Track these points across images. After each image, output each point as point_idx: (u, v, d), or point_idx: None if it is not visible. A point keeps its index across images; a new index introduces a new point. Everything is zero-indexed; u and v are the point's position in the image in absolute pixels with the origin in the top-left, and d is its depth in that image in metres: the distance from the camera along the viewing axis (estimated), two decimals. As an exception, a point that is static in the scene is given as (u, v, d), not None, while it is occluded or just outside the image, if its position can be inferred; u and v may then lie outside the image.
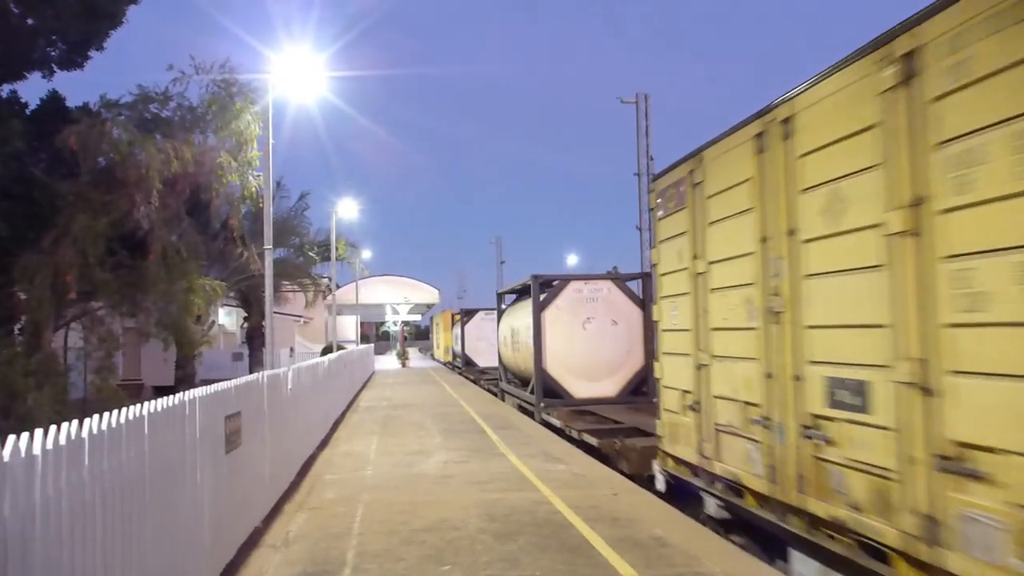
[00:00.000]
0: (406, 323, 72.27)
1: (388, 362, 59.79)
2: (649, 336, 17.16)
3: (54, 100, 19.53)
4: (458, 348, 43.76)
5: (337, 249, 35.95)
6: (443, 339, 56.59)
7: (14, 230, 16.76)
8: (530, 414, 18.63)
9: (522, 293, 22.39)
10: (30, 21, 17.89)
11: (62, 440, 3.56)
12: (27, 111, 18.88)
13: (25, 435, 3.27)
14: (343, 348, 32.18)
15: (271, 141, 16.10)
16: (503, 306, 25.46)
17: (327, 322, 51.15)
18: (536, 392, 17.94)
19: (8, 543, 3.04)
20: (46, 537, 3.36)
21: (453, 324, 47.84)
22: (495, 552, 7.17)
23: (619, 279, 18.69)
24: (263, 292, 18.10)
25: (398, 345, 67.63)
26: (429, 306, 72.31)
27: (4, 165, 16.17)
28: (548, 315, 17.94)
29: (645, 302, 17.74)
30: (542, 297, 18.21)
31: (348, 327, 60.73)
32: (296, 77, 16.46)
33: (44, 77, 19.04)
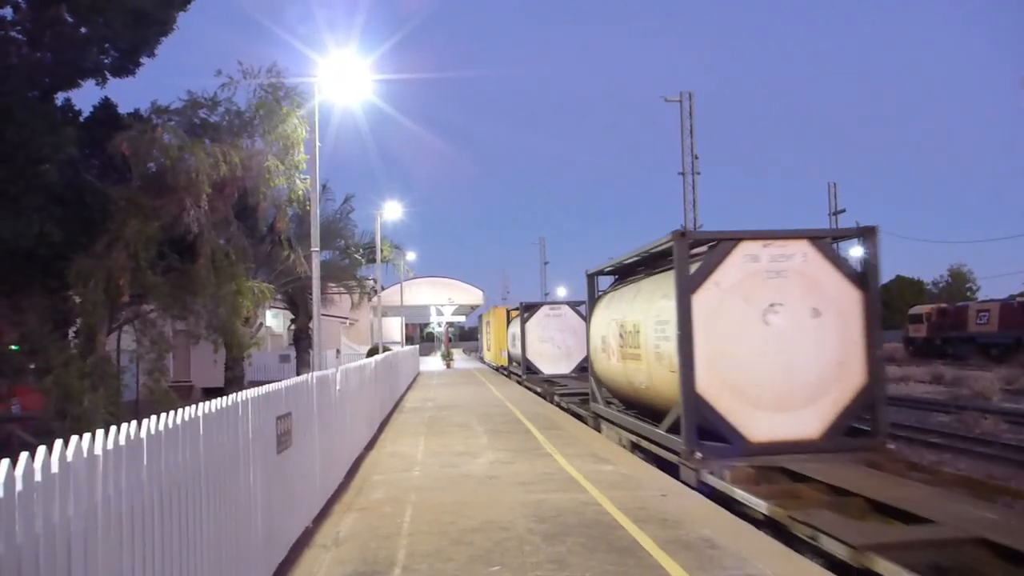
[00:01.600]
0: (450, 324, 72.55)
1: (433, 363, 60.07)
2: (874, 334, 10.89)
3: (106, 107, 19.96)
4: (516, 351, 36.68)
5: (382, 251, 36.26)
6: (495, 340, 49.07)
7: (68, 235, 17.12)
8: (668, 467, 11.38)
9: (624, 273, 16.19)
10: (83, 30, 18.29)
11: (122, 441, 3.64)
12: (80, 118, 19.30)
13: (87, 436, 3.34)
14: (388, 349, 32.44)
15: (317, 144, 16.32)
16: (597, 291, 17.84)
17: (372, 324, 51.58)
18: (684, 432, 10.51)
19: (72, 541, 3.11)
20: (108, 535, 3.42)
21: (509, 322, 41.46)
22: (544, 553, 7.16)
23: (821, 238, 11.16)
24: (310, 294, 18.33)
25: (442, 346, 67.96)
26: (473, 307, 72.52)
27: (59, 172, 16.54)
28: (703, 300, 10.60)
29: (867, 276, 11.05)
30: (692, 269, 10.81)
31: (393, 328, 61.21)
32: (341, 80, 16.66)
33: (97, 84, 19.43)
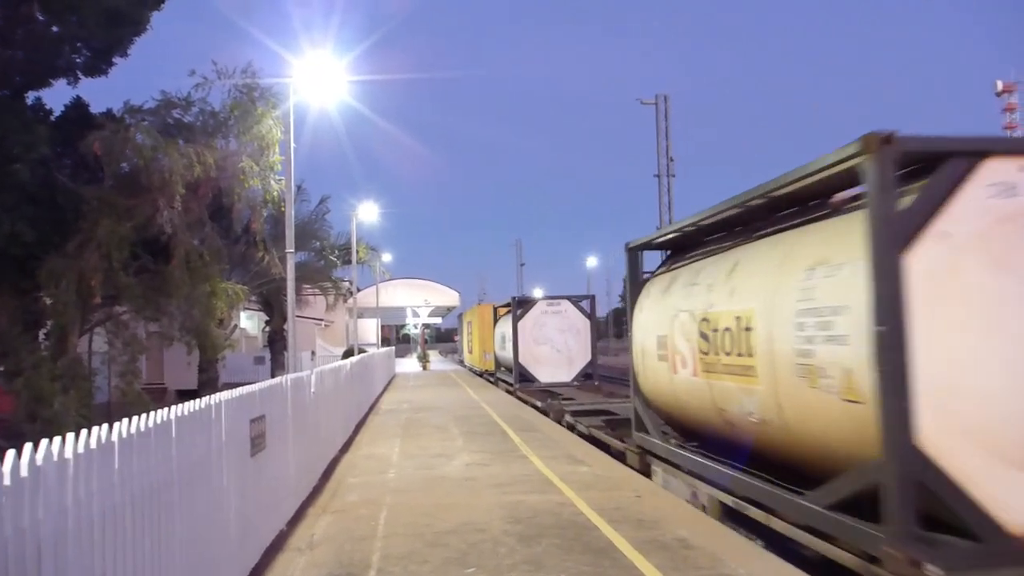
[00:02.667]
0: (426, 326, 72.45)
1: (408, 365, 59.91)
2: None
3: (78, 106, 19.74)
4: (505, 354, 31.37)
5: (357, 252, 36.15)
6: (478, 341, 43.43)
7: (40, 235, 16.94)
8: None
9: (686, 245, 11.29)
10: (55, 28, 18.09)
11: (93, 444, 3.61)
12: (52, 118, 19.08)
13: (57, 439, 3.31)
14: (364, 351, 32.32)
15: (292, 145, 16.26)
16: (642, 274, 12.60)
17: (348, 325, 51.45)
18: (895, 518, 5.48)
19: (42, 545, 3.08)
20: (78, 539, 3.40)
21: (496, 321, 35.94)
22: (519, 555, 7.16)
23: None
24: (285, 296, 18.23)
25: (419, 348, 67.82)
26: (449, 309, 72.50)
27: (31, 171, 16.35)
28: (922, 265, 5.62)
29: None
30: (906, 203, 5.79)
31: (368, 330, 60.99)
32: (317, 81, 16.60)
33: (69, 84, 19.22)
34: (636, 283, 12.40)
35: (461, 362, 58.95)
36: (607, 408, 17.68)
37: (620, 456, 12.91)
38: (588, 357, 27.77)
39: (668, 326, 10.30)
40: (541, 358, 27.49)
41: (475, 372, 45.01)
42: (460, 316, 63.27)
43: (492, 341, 36.66)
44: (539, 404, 22.11)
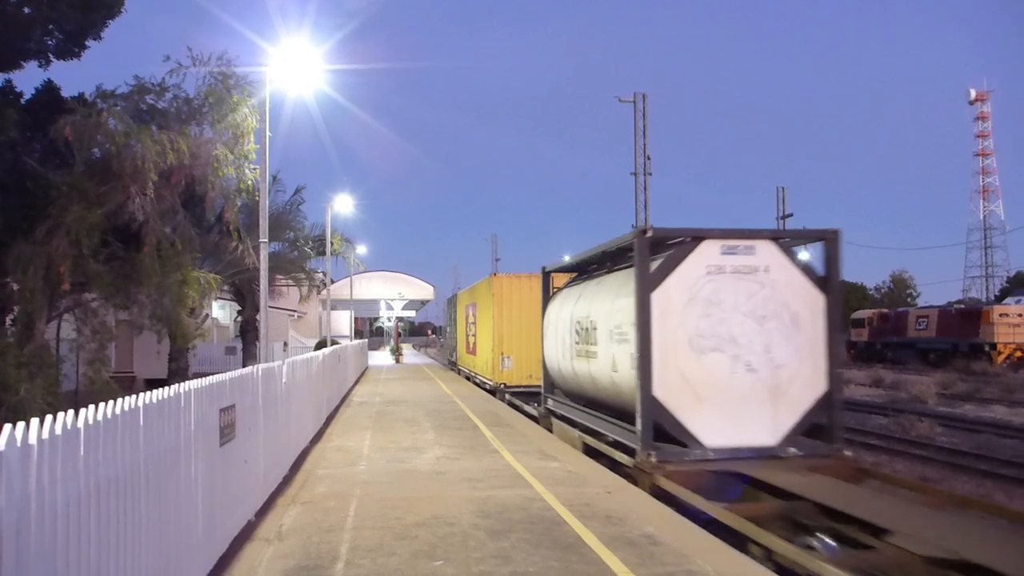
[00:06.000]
0: (400, 319, 72.22)
1: (381, 358, 59.73)
2: None
3: (49, 90, 19.46)
4: (587, 368, 13.34)
5: (332, 244, 35.93)
6: (493, 336, 25.36)
7: (8, 220, 16.71)
8: None
9: None
10: (27, 10, 17.82)
11: (57, 430, 3.55)
12: (22, 101, 18.80)
13: (21, 425, 3.26)
14: (337, 343, 32.16)
15: (267, 134, 16.12)
16: None
17: (321, 317, 51.16)
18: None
19: (3, 533, 3.03)
20: (41, 527, 3.35)
21: (551, 296, 17.96)
22: (488, 548, 7.17)
23: None
24: (257, 286, 18.09)
25: (392, 341, 67.61)
26: (423, 302, 72.25)
27: (-1, 155, 16.13)
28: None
29: None
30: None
31: (342, 322, 60.73)
32: (294, 70, 16.47)
33: (40, 67, 18.98)
34: None
35: (453, 364, 41.46)
36: None
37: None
38: (821, 386, 10.81)
39: None
40: (706, 386, 10.53)
41: (481, 385, 28.60)
42: (452, 298, 44.91)
43: (540, 337, 18.50)
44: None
